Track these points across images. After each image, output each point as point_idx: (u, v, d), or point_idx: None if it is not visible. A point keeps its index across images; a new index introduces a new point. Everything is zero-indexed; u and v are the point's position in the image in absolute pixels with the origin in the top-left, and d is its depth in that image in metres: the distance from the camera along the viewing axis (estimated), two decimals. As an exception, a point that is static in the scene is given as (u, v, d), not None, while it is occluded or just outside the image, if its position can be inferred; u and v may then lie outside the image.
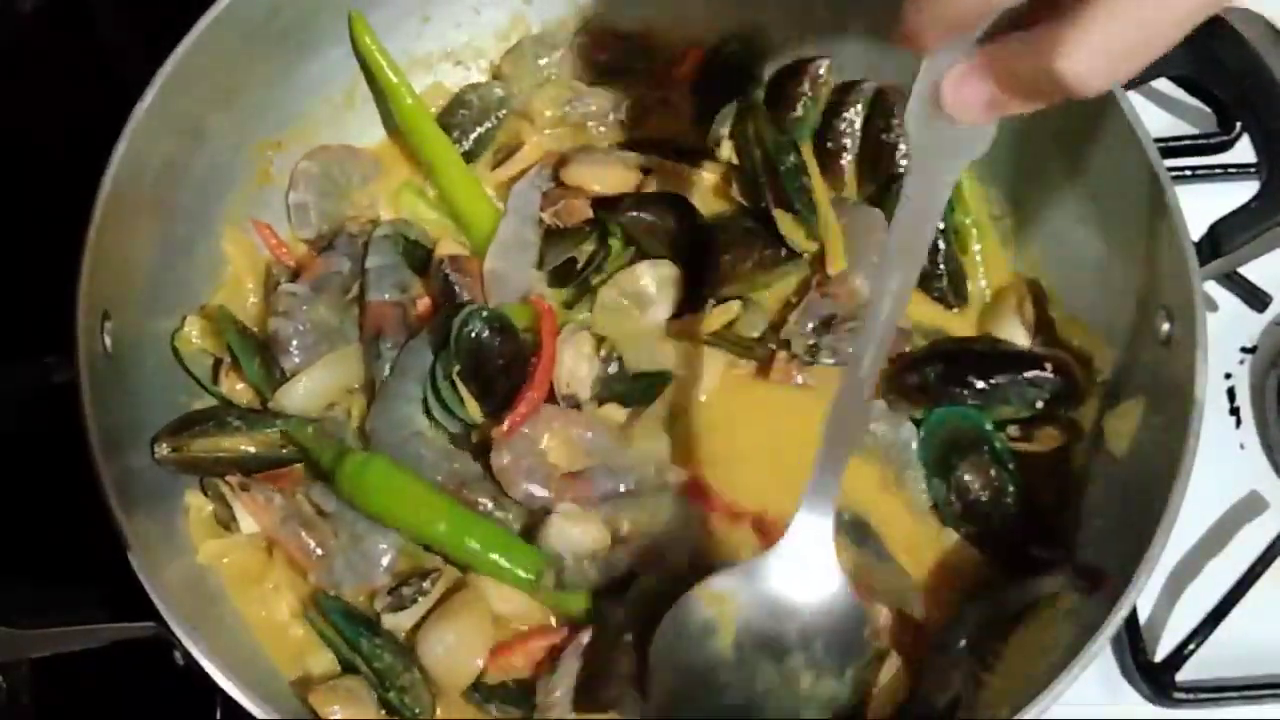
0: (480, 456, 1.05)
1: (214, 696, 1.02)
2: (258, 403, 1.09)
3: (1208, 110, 1.29)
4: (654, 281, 1.11)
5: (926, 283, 1.14)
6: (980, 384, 1.05)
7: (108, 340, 0.97)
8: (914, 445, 1.07)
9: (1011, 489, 1.04)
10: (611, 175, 1.15)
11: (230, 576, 1.03)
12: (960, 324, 1.14)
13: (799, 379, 1.09)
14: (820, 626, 0.94)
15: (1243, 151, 1.23)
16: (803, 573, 0.93)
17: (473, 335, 1.04)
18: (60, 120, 1.26)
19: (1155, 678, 1.09)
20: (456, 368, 1.03)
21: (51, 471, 0.99)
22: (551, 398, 1.07)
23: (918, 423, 1.07)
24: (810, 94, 1.19)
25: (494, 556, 1.01)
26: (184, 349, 1.08)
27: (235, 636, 1.01)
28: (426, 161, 1.18)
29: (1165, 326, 0.98)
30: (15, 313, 1.14)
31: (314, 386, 1.07)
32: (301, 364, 1.08)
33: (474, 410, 1.04)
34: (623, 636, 0.96)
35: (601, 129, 1.22)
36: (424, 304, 1.12)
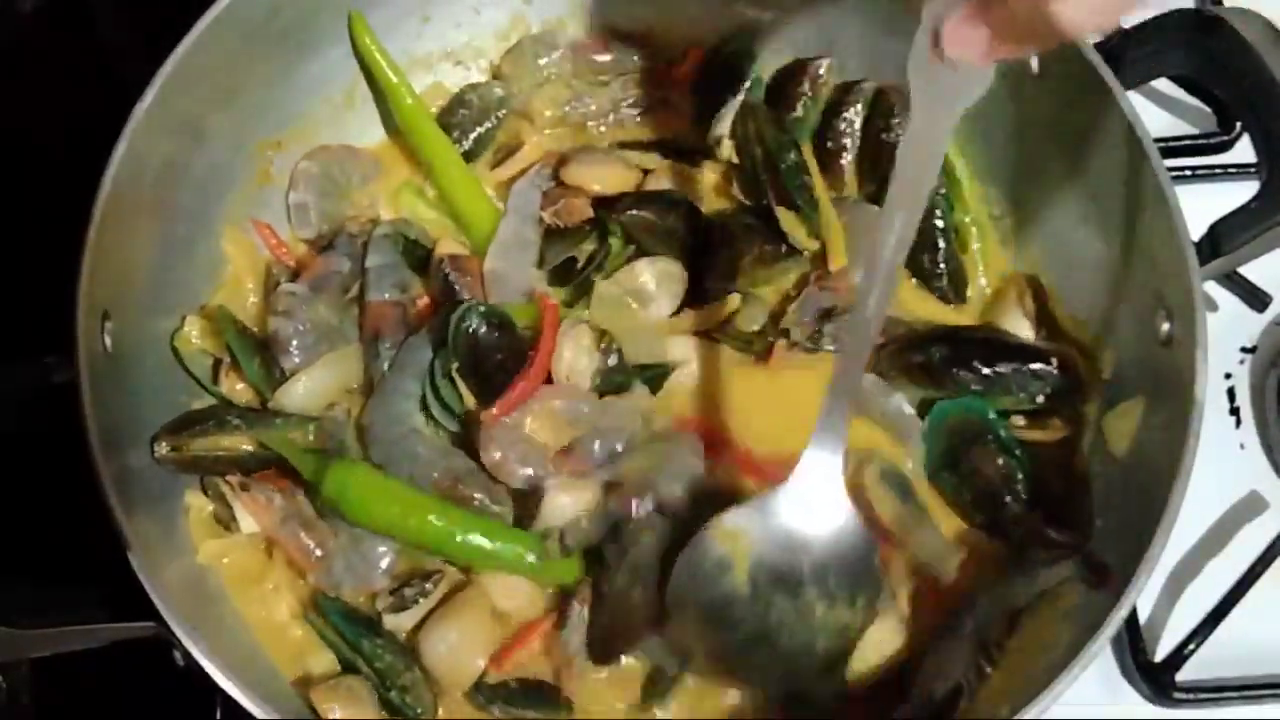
0: (475, 453, 1.05)
1: (214, 696, 1.02)
2: (257, 403, 1.09)
3: (1208, 110, 1.29)
4: (654, 278, 1.12)
5: (927, 281, 1.14)
6: (985, 370, 1.05)
7: (108, 340, 0.97)
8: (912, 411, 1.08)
9: (1021, 476, 1.04)
10: (611, 175, 1.16)
11: (230, 576, 1.03)
12: (962, 318, 1.14)
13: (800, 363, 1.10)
14: (832, 558, 0.96)
15: (1243, 151, 1.24)
16: (813, 507, 0.95)
17: (470, 331, 1.04)
18: (60, 120, 1.26)
19: (1155, 678, 1.09)
20: (455, 364, 1.03)
21: (51, 471, 0.99)
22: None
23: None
24: (810, 94, 1.19)
25: (490, 545, 1.01)
26: (184, 349, 1.08)
27: (235, 636, 1.01)
28: (426, 161, 1.18)
29: (1165, 326, 0.98)
30: (15, 313, 1.14)
31: (313, 386, 1.07)
32: (301, 364, 1.08)
33: (471, 405, 1.04)
34: (629, 582, 0.98)
35: (601, 129, 1.22)
36: (423, 303, 1.12)
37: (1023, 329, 1.10)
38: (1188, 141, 1.28)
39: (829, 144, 1.19)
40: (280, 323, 1.08)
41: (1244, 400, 1.21)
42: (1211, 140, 1.27)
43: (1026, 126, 1.12)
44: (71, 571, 0.98)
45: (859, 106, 1.18)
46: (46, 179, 1.19)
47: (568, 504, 1.01)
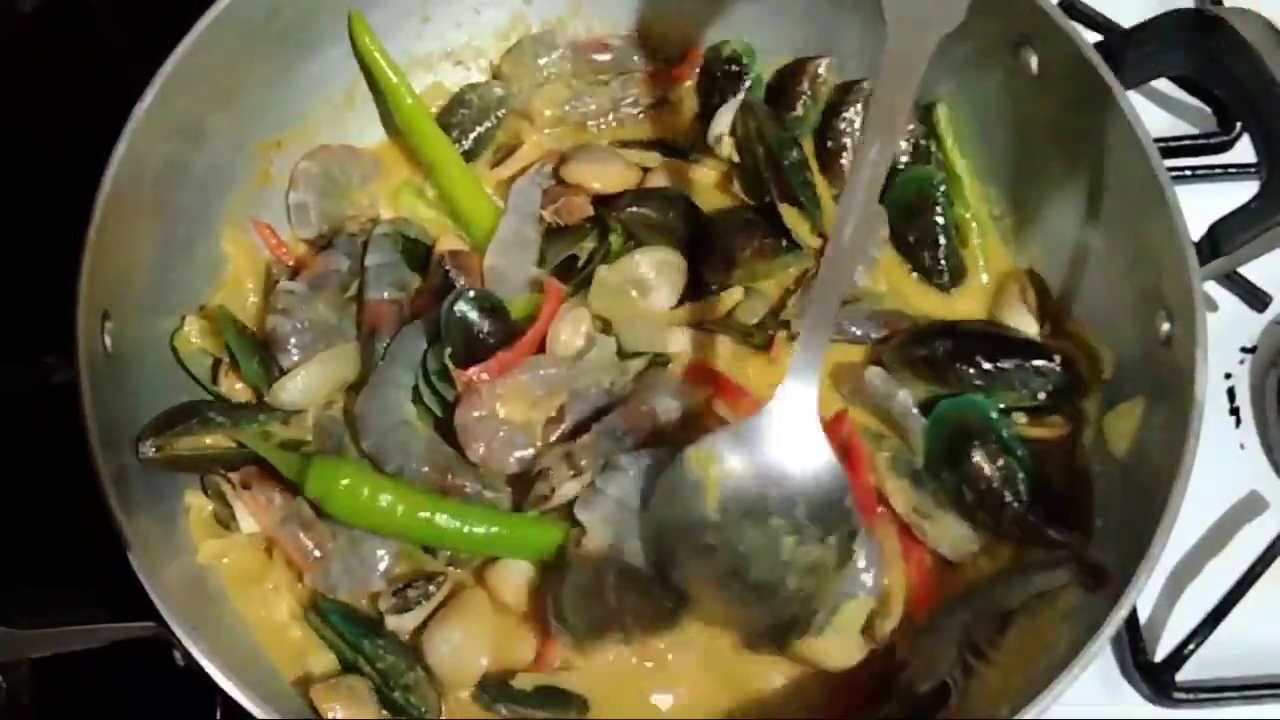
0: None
1: (214, 696, 1.02)
2: (256, 402, 1.08)
3: (1208, 110, 1.29)
4: (653, 268, 1.12)
5: (929, 276, 1.14)
6: (987, 365, 1.05)
7: (108, 340, 0.97)
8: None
9: (1022, 475, 1.04)
10: (611, 173, 1.16)
11: (230, 576, 1.03)
12: (964, 314, 1.14)
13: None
14: (801, 491, 0.97)
15: (1243, 151, 1.24)
16: (785, 438, 0.96)
17: (462, 316, 1.04)
18: (60, 120, 1.26)
19: (1155, 678, 1.09)
20: (449, 351, 1.03)
21: (51, 471, 0.99)
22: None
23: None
24: (810, 93, 1.19)
25: (477, 531, 1.01)
26: (183, 349, 1.08)
27: (235, 636, 1.01)
28: (426, 161, 1.18)
29: (1165, 326, 0.98)
30: (15, 313, 1.14)
31: (311, 382, 1.07)
32: (299, 362, 1.08)
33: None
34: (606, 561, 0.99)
35: (601, 128, 1.22)
36: (421, 299, 1.12)
37: (1026, 324, 1.10)
38: (1188, 141, 1.28)
39: (829, 143, 1.19)
40: (279, 321, 1.08)
41: (1244, 400, 1.21)
42: (1211, 140, 1.27)
43: (1026, 126, 1.12)
44: (71, 571, 0.98)
45: (859, 106, 1.18)
46: (46, 179, 1.19)
47: (573, 490, 1.02)
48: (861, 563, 1.01)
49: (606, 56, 1.23)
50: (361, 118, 1.20)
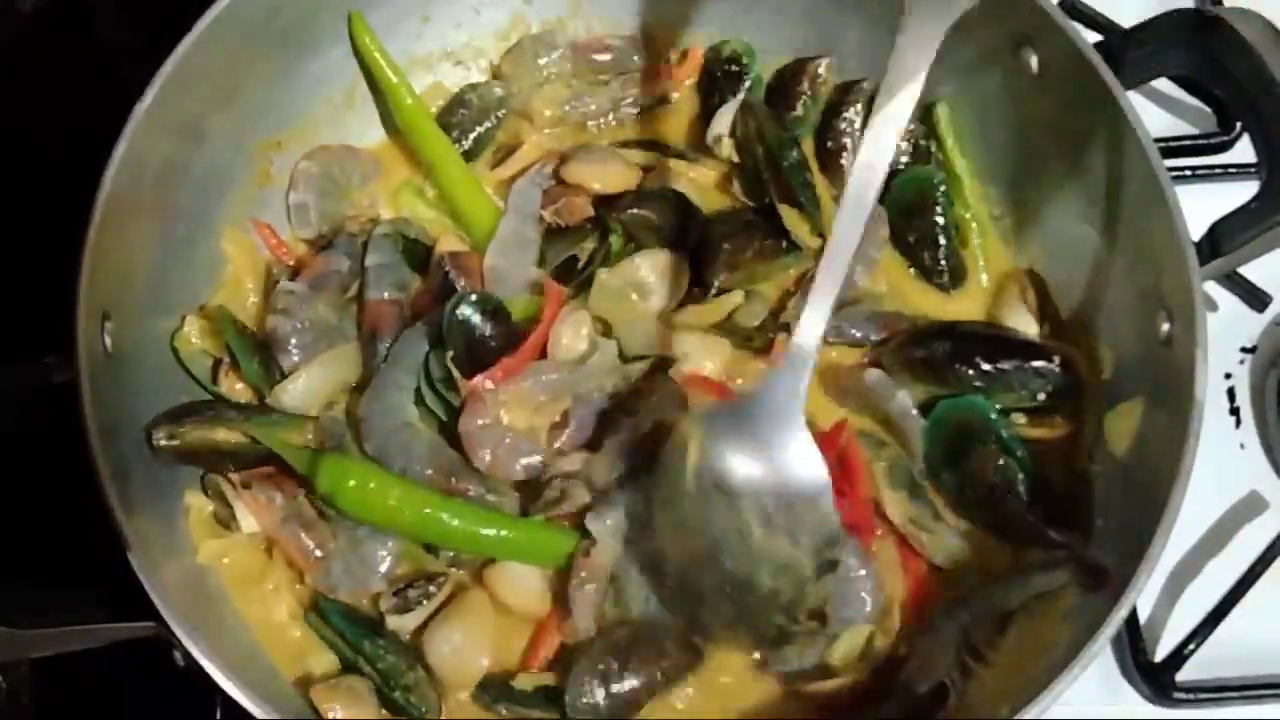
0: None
1: (214, 696, 1.02)
2: (257, 402, 1.09)
3: (1208, 110, 1.29)
4: (652, 271, 1.12)
5: (929, 276, 1.15)
6: (986, 366, 1.05)
7: (108, 340, 0.97)
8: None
9: (1022, 476, 1.04)
10: (612, 173, 1.16)
11: (230, 576, 1.03)
12: (964, 315, 1.14)
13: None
14: (774, 479, 0.95)
15: (1243, 151, 1.24)
16: (765, 425, 0.94)
17: (464, 319, 1.04)
18: (60, 120, 1.26)
19: (1155, 678, 1.09)
20: (450, 353, 1.03)
21: (51, 471, 0.99)
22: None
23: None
24: (810, 93, 1.19)
25: (486, 534, 1.01)
26: (184, 349, 1.08)
27: (235, 636, 1.01)
28: (426, 161, 1.18)
29: (1165, 326, 0.98)
30: (15, 313, 1.14)
31: (311, 384, 1.07)
32: (300, 362, 1.08)
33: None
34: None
35: (601, 128, 1.22)
36: (422, 300, 1.12)
37: (1026, 325, 1.10)
38: (1188, 141, 1.28)
39: (829, 144, 1.19)
40: (279, 321, 1.08)
41: (1244, 400, 1.21)
42: (1211, 140, 1.27)
43: (1026, 126, 1.12)
44: (71, 571, 0.98)
45: (859, 106, 1.18)
46: (46, 179, 1.19)
47: (584, 497, 1.02)
48: (861, 593, 1.01)
49: (606, 56, 1.23)
50: (361, 118, 1.20)
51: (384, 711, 0.99)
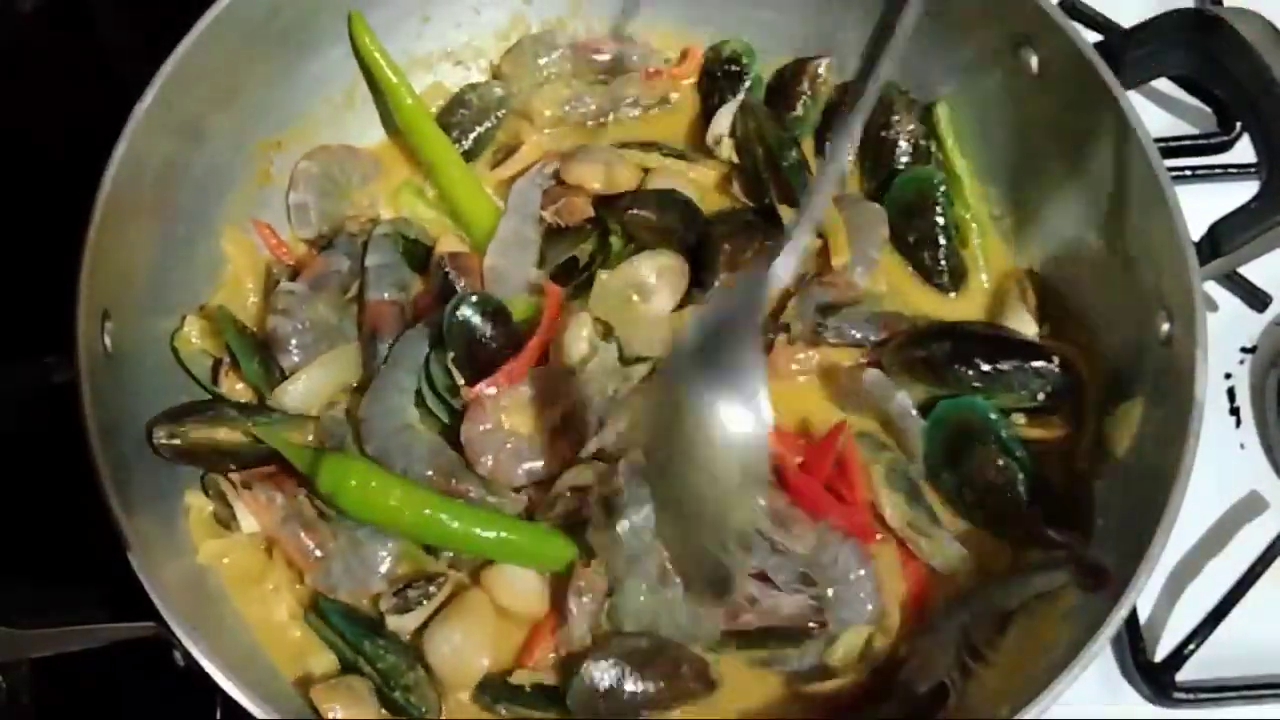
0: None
1: (214, 696, 1.02)
2: (257, 402, 1.09)
3: (1208, 110, 1.29)
4: (654, 272, 1.11)
5: (929, 277, 1.15)
6: (986, 367, 1.05)
7: (108, 340, 0.97)
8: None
9: (1022, 476, 1.04)
10: (612, 174, 1.16)
11: (230, 576, 1.03)
12: (964, 315, 1.14)
13: (802, 357, 1.10)
14: (712, 386, 0.87)
15: (1243, 151, 1.24)
16: (720, 332, 0.88)
17: (464, 320, 1.04)
18: (60, 120, 1.26)
19: (1155, 678, 1.09)
20: (451, 354, 1.03)
21: (51, 471, 0.99)
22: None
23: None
24: (810, 93, 1.19)
25: (487, 535, 1.00)
26: (184, 349, 1.08)
27: (235, 636, 1.01)
28: (426, 161, 1.18)
29: (1165, 326, 0.98)
30: (15, 313, 1.14)
31: (312, 385, 1.07)
32: (300, 362, 1.08)
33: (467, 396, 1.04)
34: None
35: (601, 128, 1.22)
36: (423, 301, 1.12)
37: (1026, 326, 1.10)
38: (1188, 141, 1.28)
39: (829, 144, 1.19)
40: (279, 321, 1.08)
41: (1244, 400, 1.21)
42: (1211, 140, 1.27)
43: (1026, 126, 1.12)
44: (71, 571, 0.98)
45: (859, 106, 1.18)
46: (46, 179, 1.19)
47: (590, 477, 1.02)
48: (861, 594, 1.02)
49: (606, 56, 1.23)
50: (361, 118, 1.20)
51: (384, 711, 0.99)
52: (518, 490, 1.04)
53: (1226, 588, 1.10)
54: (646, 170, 1.18)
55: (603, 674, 0.97)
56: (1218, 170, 1.26)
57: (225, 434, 1.04)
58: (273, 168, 1.16)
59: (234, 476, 1.04)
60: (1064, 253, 1.11)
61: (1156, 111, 1.30)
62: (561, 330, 1.06)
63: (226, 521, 1.04)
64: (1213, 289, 1.22)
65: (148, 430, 1.01)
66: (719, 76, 1.21)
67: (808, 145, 1.19)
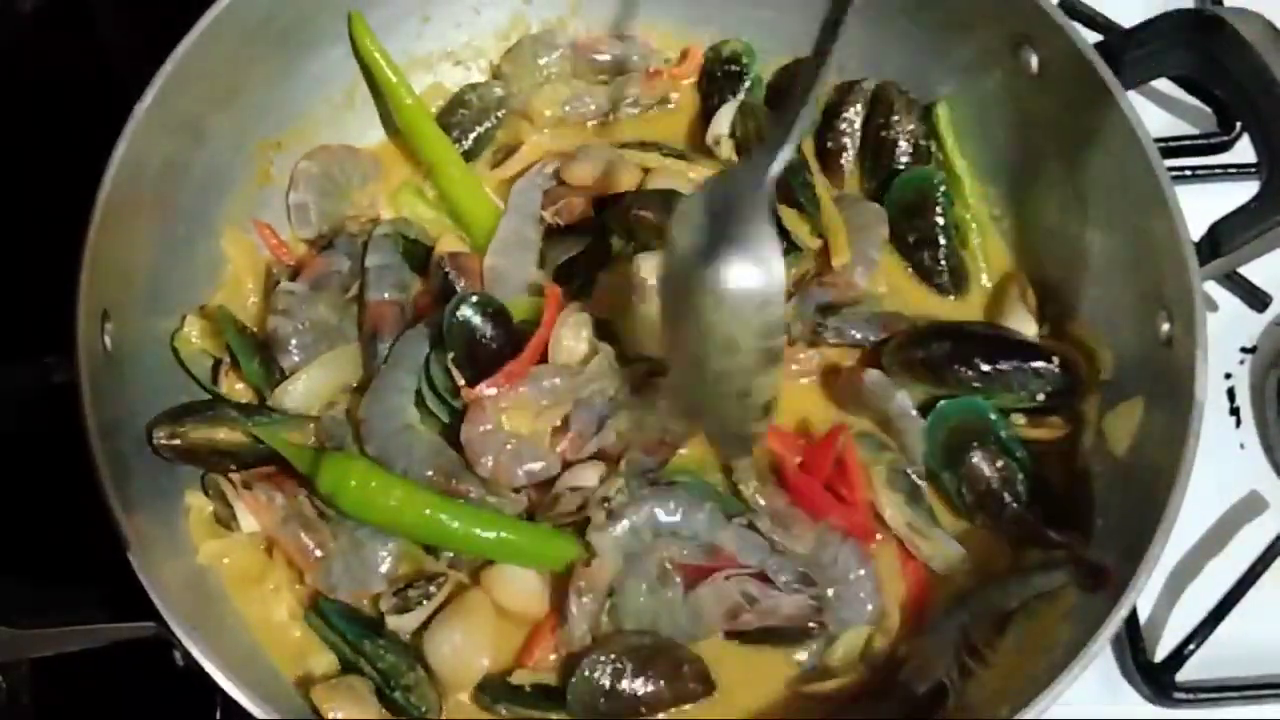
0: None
1: (214, 696, 1.02)
2: (257, 403, 1.09)
3: (1208, 110, 1.29)
4: (654, 272, 1.11)
5: (929, 277, 1.15)
6: (985, 367, 1.05)
7: (108, 340, 0.97)
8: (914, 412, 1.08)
9: (1022, 476, 1.04)
10: (612, 174, 1.16)
11: (230, 576, 1.03)
12: (964, 315, 1.14)
13: (802, 357, 1.11)
14: (721, 255, 0.87)
15: (1243, 151, 1.24)
16: (730, 203, 0.88)
17: (465, 320, 1.04)
18: (60, 120, 1.26)
19: (1155, 678, 1.09)
20: (451, 355, 1.03)
21: (51, 471, 0.99)
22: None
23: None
24: (810, 94, 1.19)
25: (487, 535, 1.00)
26: (184, 349, 1.08)
27: (235, 636, 1.01)
28: (426, 161, 1.18)
29: (1165, 326, 0.98)
30: (15, 313, 1.14)
31: (312, 385, 1.07)
32: (300, 363, 1.08)
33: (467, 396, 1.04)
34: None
35: (601, 128, 1.22)
36: (423, 301, 1.12)
37: (1026, 326, 1.10)
38: (1188, 141, 1.28)
39: (829, 143, 1.19)
40: (279, 321, 1.08)
41: (1244, 400, 1.21)
42: (1211, 140, 1.27)
43: (1026, 126, 1.12)
44: (71, 571, 0.98)
45: (859, 106, 1.18)
46: (46, 179, 1.18)
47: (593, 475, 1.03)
48: (860, 594, 1.02)
49: (606, 56, 1.23)
50: (361, 118, 1.20)
51: (384, 711, 0.99)
52: (518, 491, 1.04)
53: (1226, 588, 1.10)
54: (646, 170, 1.17)
55: (603, 673, 0.97)
56: (1218, 170, 1.26)
57: (225, 434, 1.04)
58: (273, 168, 1.16)
59: (234, 476, 1.04)
60: (1064, 253, 1.11)
61: (1156, 111, 1.30)
62: (559, 330, 1.06)
63: (226, 521, 1.04)
64: (1213, 289, 1.22)
65: (148, 430, 1.01)
66: (719, 76, 1.21)
67: (807, 145, 1.19)
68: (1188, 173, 1.25)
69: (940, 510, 1.07)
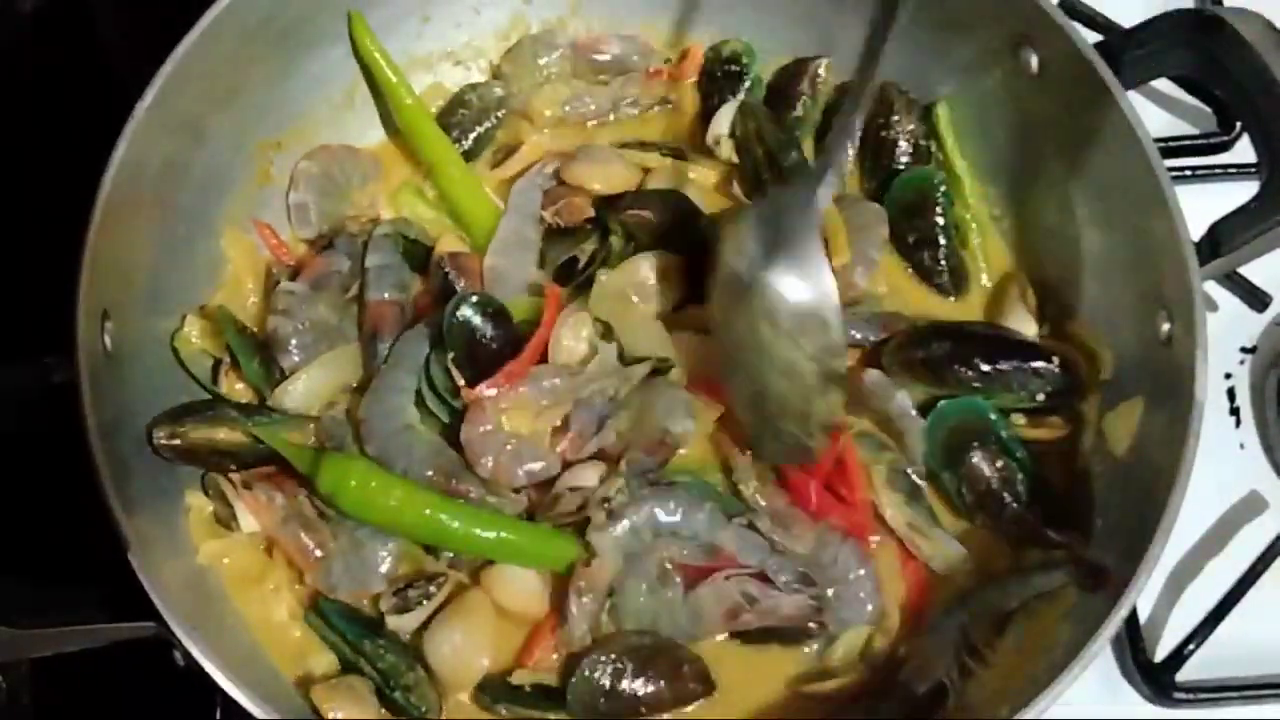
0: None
1: (214, 696, 1.02)
2: (257, 403, 1.09)
3: (1208, 110, 1.29)
4: (653, 272, 1.11)
5: (929, 277, 1.15)
6: (985, 367, 1.05)
7: (108, 340, 0.97)
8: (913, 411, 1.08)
9: (1022, 477, 1.04)
10: (612, 174, 1.16)
11: (230, 576, 1.03)
12: (964, 315, 1.14)
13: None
14: (780, 281, 0.94)
15: (1243, 151, 1.24)
16: (783, 227, 0.94)
17: (464, 320, 1.04)
18: (60, 120, 1.26)
19: (1155, 678, 1.09)
20: (451, 355, 1.03)
21: (51, 472, 0.99)
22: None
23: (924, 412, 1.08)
24: (810, 94, 1.19)
25: (487, 535, 1.00)
26: (184, 349, 1.08)
27: (235, 636, 1.01)
28: (426, 161, 1.18)
29: (1165, 326, 0.98)
30: (15, 313, 1.14)
31: (313, 385, 1.07)
32: (300, 363, 1.08)
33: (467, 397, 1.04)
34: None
35: (601, 128, 1.22)
36: (423, 301, 1.12)
37: (1026, 326, 1.10)
38: (1188, 141, 1.28)
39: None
40: (279, 321, 1.08)
41: (1244, 400, 1.21)
42: (1211, 140, 1.27)
43: (1026, 126, 1.12)
44: (71, 571, 0.98)
45: (859, 106, 1.18)
46: (46, 179, 1.18)
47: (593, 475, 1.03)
48: (861, 594, 1.02)
49: (606, 56, 1.23)
50: (361, 118, 1.20)
51: (384, 711, 0.99)
52: (518, 491, 1.04)
53: (1226, 588, 1.10)
54: (646, 170, 1.18)
55: (603, 673, 0.97)
56: (1218, 170, 1.26)
57: (225, 434, 1.04)
58: (273, 168, 1.16)
59: (234, 476, 1.04)
60: (1064, 253, 1.11)
61: (1156, 111, 1.30)
62: (559, 329, 1.06)
63: (226, 521, 1.04)
64: (1213, 289, 1.22)
65: (148, 430, 1.01)
66: (719, 76, 1.21)
67: (808, 145, 1.19)
68: (1188, 173, 1.25)
69: (940, 510, 1.07)
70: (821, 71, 1.19)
